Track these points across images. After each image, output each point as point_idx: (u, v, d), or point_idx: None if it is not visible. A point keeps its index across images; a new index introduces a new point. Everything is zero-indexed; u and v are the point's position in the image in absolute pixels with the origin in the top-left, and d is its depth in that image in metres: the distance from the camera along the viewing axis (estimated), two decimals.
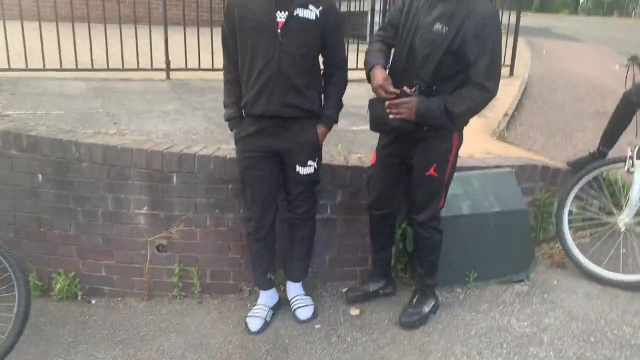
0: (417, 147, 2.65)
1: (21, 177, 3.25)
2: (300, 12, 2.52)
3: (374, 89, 2.54)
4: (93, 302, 3.36)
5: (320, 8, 2.56)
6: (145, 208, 3.23)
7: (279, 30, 2.50)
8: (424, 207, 2.74)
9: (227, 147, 3.42)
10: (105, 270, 3.37)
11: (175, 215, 3.25)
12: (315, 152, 2.79)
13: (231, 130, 2.84)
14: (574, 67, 8.59)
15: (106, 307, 3.30)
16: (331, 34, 2.64)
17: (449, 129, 2.57)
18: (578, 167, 3.69)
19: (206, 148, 3.34)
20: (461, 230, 3.13)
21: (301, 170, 2.75)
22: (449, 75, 2.48)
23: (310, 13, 2.53)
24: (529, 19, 19.74)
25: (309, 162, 2.77)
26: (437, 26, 2.42)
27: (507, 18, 7.16)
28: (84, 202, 3.24)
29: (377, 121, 2.61)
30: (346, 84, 2.83)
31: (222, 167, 3.20)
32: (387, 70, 2.61)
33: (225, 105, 2.82)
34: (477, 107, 2.54)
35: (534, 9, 38.89)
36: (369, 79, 2.59)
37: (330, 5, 2.62)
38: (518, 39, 7.23)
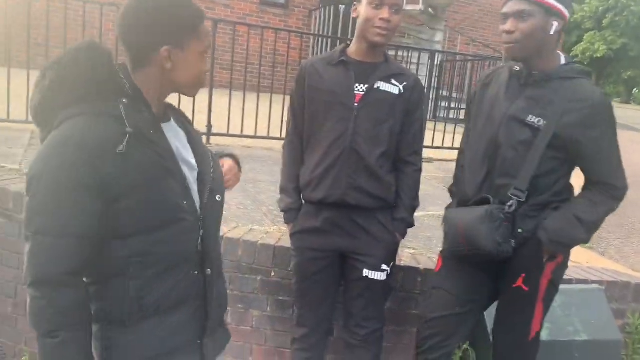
0: None
1: None
2: (382, 86, 2.14)
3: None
4: None
5: (405, 84, 2.16)
6: None
7: (355, 104, 2.11)
8: (509, 327, 2.14)
9: (260, 230, 2.98)
10: None
11: None
12: (392, 253, 2.28)
13: (286, 223, 2.35)
14: None
15: None
16: (412, 113, 2.21)
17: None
18: None
19: (236, 229, 2.90)
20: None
21: (370, 274, 2.22)
22: (546, 178, 1.96)
23: (393, 88, 2.14)
24: None
25: (383, 267, 2.23)
26: (531, 119, 1.93)
27: None
28: None
29: (462, 243, 2.02)
30: (420, 177, 2.32)
31: (252, 254, 2.74)
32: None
33: (283, 191, 2.33)
34: (611, 211, 2.00)
35: None
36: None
37: (416, 81, 2.22)
38: None
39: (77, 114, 1.22)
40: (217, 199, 1.44)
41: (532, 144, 1.91)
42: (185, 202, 1.34)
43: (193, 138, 1.47)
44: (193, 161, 1.42)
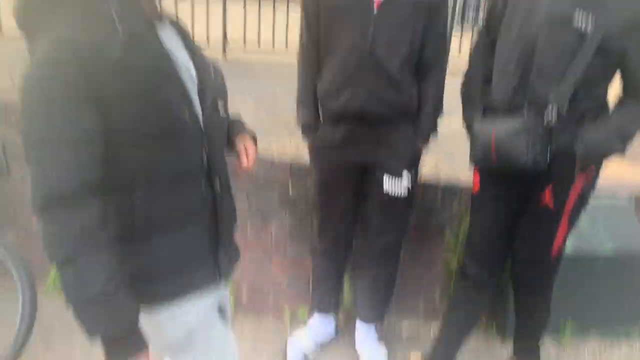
0: None
1: None
2: None
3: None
4: None
5: None
6: None
7: (375, 9, 1.95)
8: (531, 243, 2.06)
9: (277, 144, 2.91)
10: None
11: None
12: (414, 163, 2.20)
13: (304, 137, 2.28)
14: None
15: None
16: (435, 15, 2.04)
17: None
18: None
19: None
20: (560, 273, 2.47)
21: (390, 188, 2.14)
22: (588, 86, 1.78)
23: None
24: None
25: (404, 172, 2.15)
26: (578, 16, 1.70)
27: None
28: None
29: (492, 157, 1.87)
30: (444, 84, 2.19)
31: (270, 169, 2.69)
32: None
33: (300, 104, 2.24)
34: None
35: None
36: (468, 127, 2.03)
37: None
38: None
39: (67, 19, 1.12)
40: (220, 107, 1.36)
41: (578, 49, 1.71)
42: (186, 110, 1.26)
43: (190, 45, 1.36)
44: (192, 69, 1.31)
